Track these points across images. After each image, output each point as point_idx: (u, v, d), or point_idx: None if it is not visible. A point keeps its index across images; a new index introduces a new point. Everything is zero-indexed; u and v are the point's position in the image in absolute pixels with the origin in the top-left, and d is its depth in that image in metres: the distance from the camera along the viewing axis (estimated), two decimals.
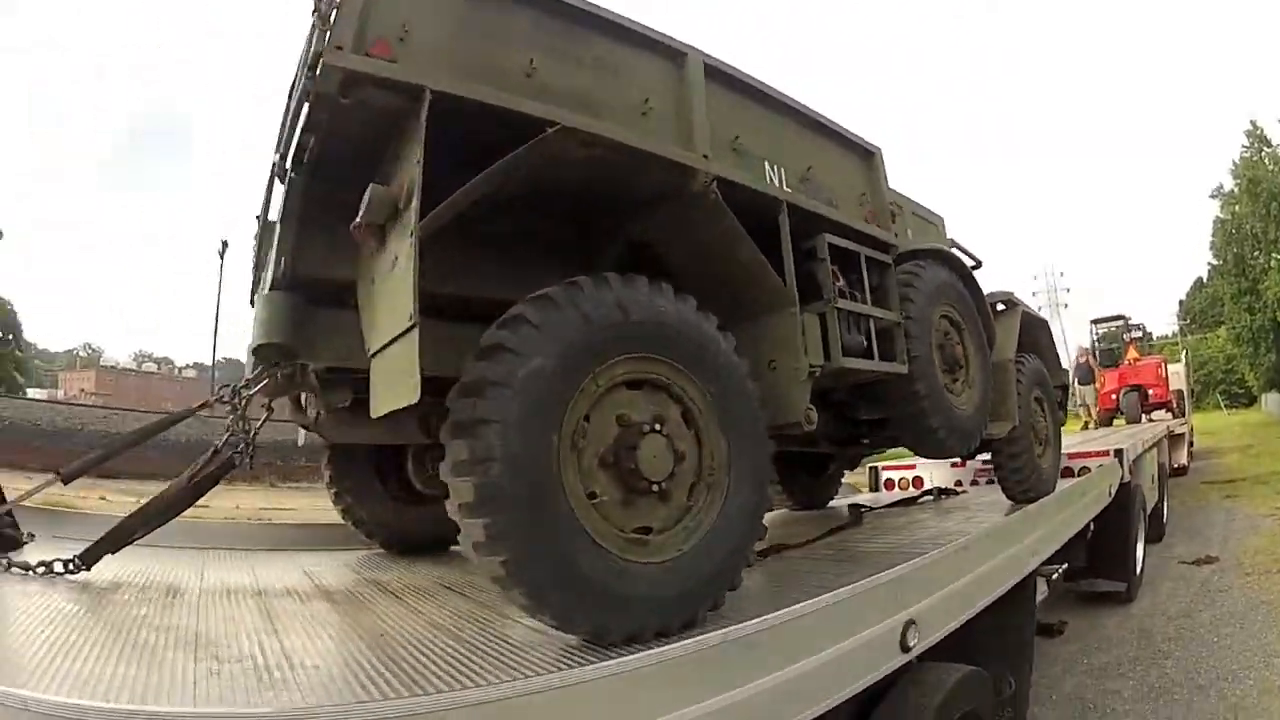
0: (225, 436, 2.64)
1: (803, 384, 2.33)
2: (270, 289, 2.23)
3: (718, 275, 2.35)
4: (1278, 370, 32.64)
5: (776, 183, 2.54)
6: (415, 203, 1.62)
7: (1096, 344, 18.25)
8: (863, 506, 4.75)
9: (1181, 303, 58.61)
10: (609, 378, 1.80)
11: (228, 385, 2.64)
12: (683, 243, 2.37)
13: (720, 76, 2.42)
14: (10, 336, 34.44)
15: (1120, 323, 18.39)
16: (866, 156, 3.13)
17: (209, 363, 33.32)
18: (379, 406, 1.85)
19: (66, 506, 4.71)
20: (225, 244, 27.14)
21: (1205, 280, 51.71)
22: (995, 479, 4.29)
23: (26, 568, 2.40)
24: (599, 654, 1.61)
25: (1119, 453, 5.95)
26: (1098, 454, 5.89)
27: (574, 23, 2.06)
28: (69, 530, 3.15)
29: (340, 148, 1.91)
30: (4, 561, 2.46)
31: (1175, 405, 15.74)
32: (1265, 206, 31.29)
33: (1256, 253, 32.75)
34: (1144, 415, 15.05)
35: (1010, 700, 3.23)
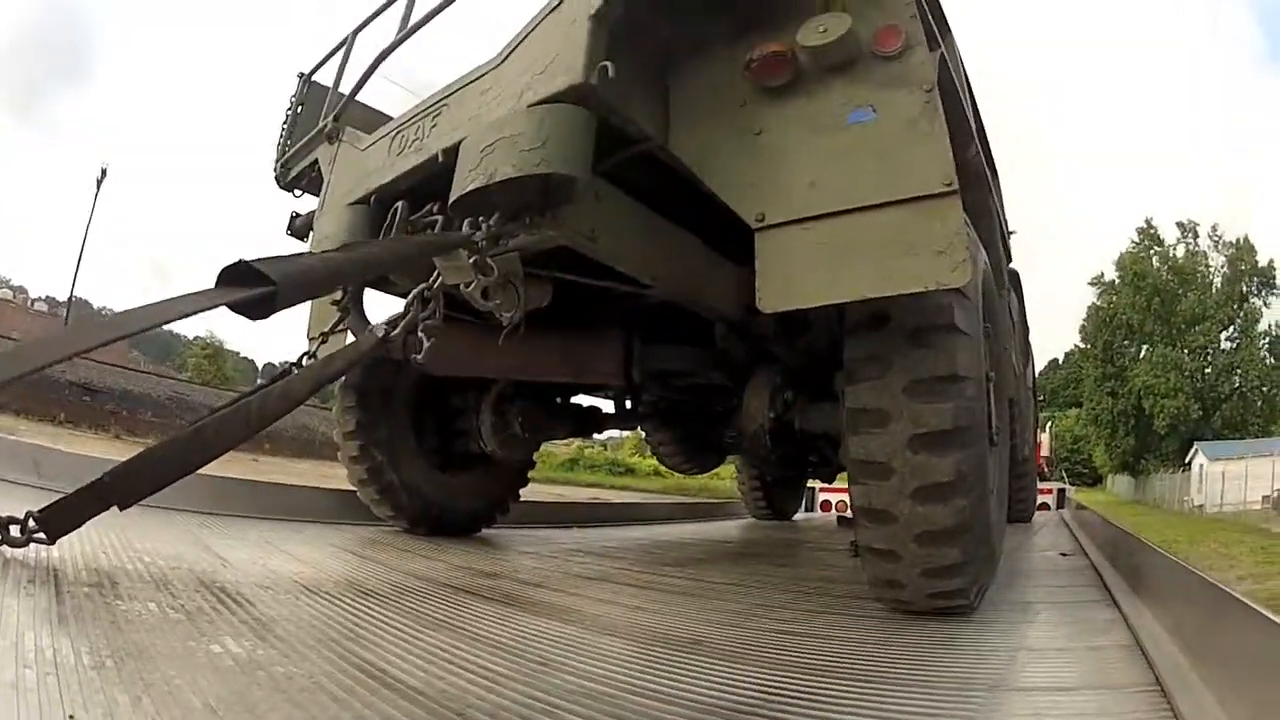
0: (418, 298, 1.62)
1: None
2: (542, 102, 1.51)
3: None
4: (1134, 454, 34.80)
5: None
6: (925, 52, 1.39)
7: None
8: None
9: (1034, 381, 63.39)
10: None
11: (482, 220, 1.56)
12: None
13: None
14: None
15: None
16: None
17: (61, 298, 29.77)
18: (801, 295, 1.41)
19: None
20: (104, 171, 24.22)
21: (1061, 362, 56.46)
22: None
23: None
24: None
25: (1062, 491, 7.79)
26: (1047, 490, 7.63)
27: None
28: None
29: None
30: None
31: (1046, 470, 17.50)
32: (1147, 300, 33.84)
33: (1127, 341, 35.39)
34: None
35: None
